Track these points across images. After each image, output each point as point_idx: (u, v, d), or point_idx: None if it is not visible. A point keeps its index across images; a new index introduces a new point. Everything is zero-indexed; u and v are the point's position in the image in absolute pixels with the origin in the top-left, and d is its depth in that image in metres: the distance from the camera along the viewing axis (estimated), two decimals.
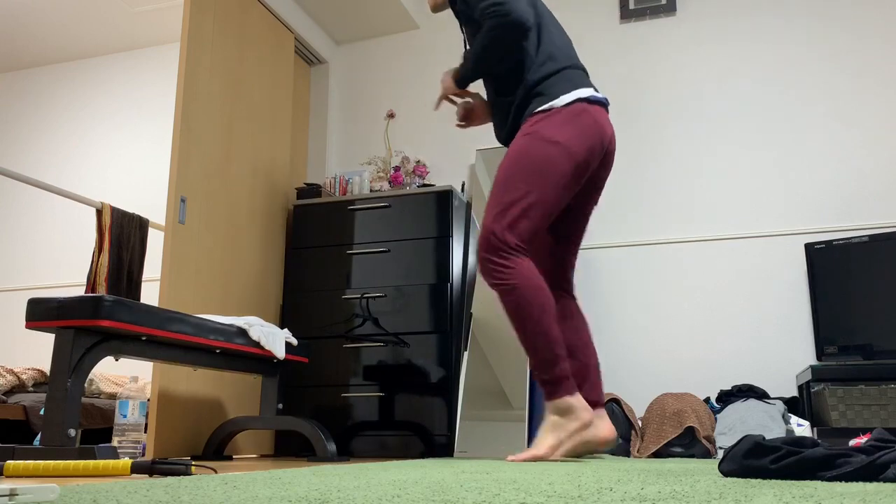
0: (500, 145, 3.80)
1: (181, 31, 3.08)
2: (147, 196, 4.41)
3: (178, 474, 1.52)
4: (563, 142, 2.13)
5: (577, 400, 2.10)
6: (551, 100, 2.18)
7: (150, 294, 4.04)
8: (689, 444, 2.78)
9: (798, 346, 3.22)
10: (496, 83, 2.33)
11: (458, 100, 2.70)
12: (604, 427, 2.23)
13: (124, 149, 4.55)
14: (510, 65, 2.26)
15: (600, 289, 3.56)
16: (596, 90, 2.28)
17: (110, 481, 1.28)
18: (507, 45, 2.20)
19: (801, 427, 2.77)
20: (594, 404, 2.30)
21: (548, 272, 2.43)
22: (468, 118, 2.50)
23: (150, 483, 1.18)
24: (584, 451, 2.16)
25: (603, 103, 2.25)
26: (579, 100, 2.19)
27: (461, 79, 2.36)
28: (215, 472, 1.66)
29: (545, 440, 2.08)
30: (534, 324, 2.08)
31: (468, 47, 2.44)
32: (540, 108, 2.19)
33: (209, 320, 2.43)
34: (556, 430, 2.09)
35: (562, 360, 2.10)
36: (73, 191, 4.52)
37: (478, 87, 3.88)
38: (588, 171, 2.21)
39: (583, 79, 2.26)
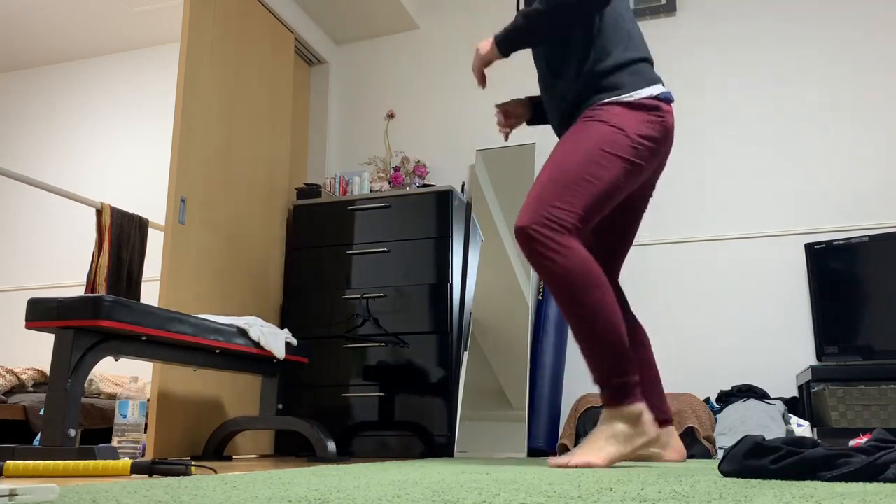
0: (500, 145, 3.80)
1: (181, 31, 3.08)
2: (147, 196, 4.41)
3: (178, 474, 1.52)
4: (630, 131, 1.91)
5: (647, 411, 1.86)
6: (623, 93, 1.95)
7: (150, 294, 4.03)
8: (689, 444, 2.77)
9: (798, 346, 3.22)
10: (554, 60, 2.04)
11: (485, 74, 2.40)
12: (674, 447, 2.04)
13: (124, 149, 4.55)
14: (573, 40, 1.99)
15: None
16: (664, 85, 2.03)
17: (110, 481, 1.28)
18: (579, 12, 1.93)
19: (801, 427, 2.77)
20: (665, 421, 2.09)
21: None
22: (509, 122, 2.28)
23: (149, 483, 1.18)
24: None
25: (672, 101, 2.04)
26: (652, 97, 1.96)
27: (504, 41, 2.04)
28: (215, 472, 1.66)
29: (605, 448, 1.78)
30: (596, 311, 1.82)
31: (522, 6, 2.09)
32: (608, 100, 1.95)
33: (209, 320, 2.43)
34: (622, 442, 1.80)
35: (628, 353, 1.84)
36: (73, 191, 4.52)
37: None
38: (646, 173, 2.01)
39: (654, 74, 2.03)
